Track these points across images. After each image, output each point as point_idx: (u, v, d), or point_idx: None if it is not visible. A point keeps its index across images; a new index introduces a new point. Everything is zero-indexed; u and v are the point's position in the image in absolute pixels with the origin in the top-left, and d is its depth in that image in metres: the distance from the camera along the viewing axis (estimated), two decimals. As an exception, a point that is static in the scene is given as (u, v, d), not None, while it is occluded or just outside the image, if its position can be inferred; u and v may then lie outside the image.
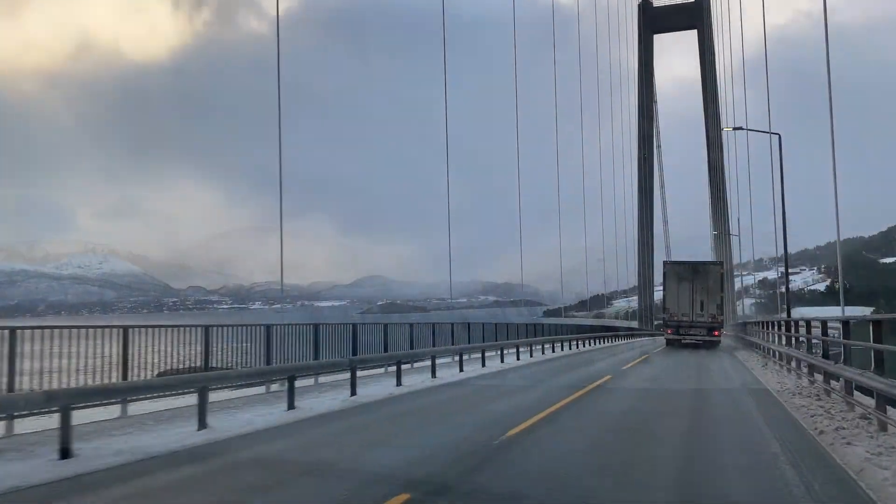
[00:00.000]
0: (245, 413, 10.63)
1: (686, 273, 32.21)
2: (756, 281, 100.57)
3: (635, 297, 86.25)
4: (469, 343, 23.41)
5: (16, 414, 8.14)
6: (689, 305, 31.70)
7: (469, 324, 25.55)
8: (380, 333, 19.32)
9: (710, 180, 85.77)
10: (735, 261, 79.15)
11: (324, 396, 12.97)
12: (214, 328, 13.20)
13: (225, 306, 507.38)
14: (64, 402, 7.42)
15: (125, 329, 10.80)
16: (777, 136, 32.89)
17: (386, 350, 18.82)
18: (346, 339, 17.47)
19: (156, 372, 11.65)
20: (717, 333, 31.76)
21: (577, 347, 32.65)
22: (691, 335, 31.84)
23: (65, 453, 7.30)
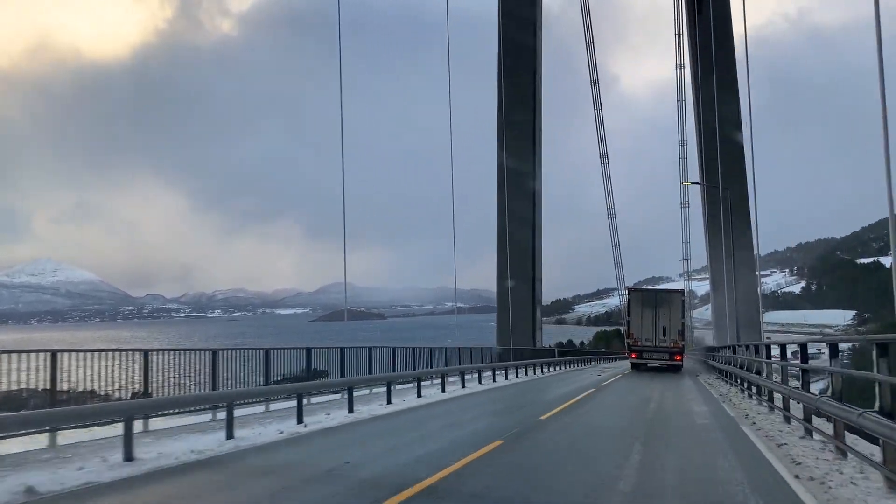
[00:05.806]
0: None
1: (650, 300, 33.37)
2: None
3: (598, 302, 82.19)
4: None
5: None
6: (652, 331, 32.72)
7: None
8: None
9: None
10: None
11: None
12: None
13: (182, 315, 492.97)
14: None
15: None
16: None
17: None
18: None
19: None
20: (679, 358, 32.79)
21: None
22: (655, 359, 32.97)
23: None
